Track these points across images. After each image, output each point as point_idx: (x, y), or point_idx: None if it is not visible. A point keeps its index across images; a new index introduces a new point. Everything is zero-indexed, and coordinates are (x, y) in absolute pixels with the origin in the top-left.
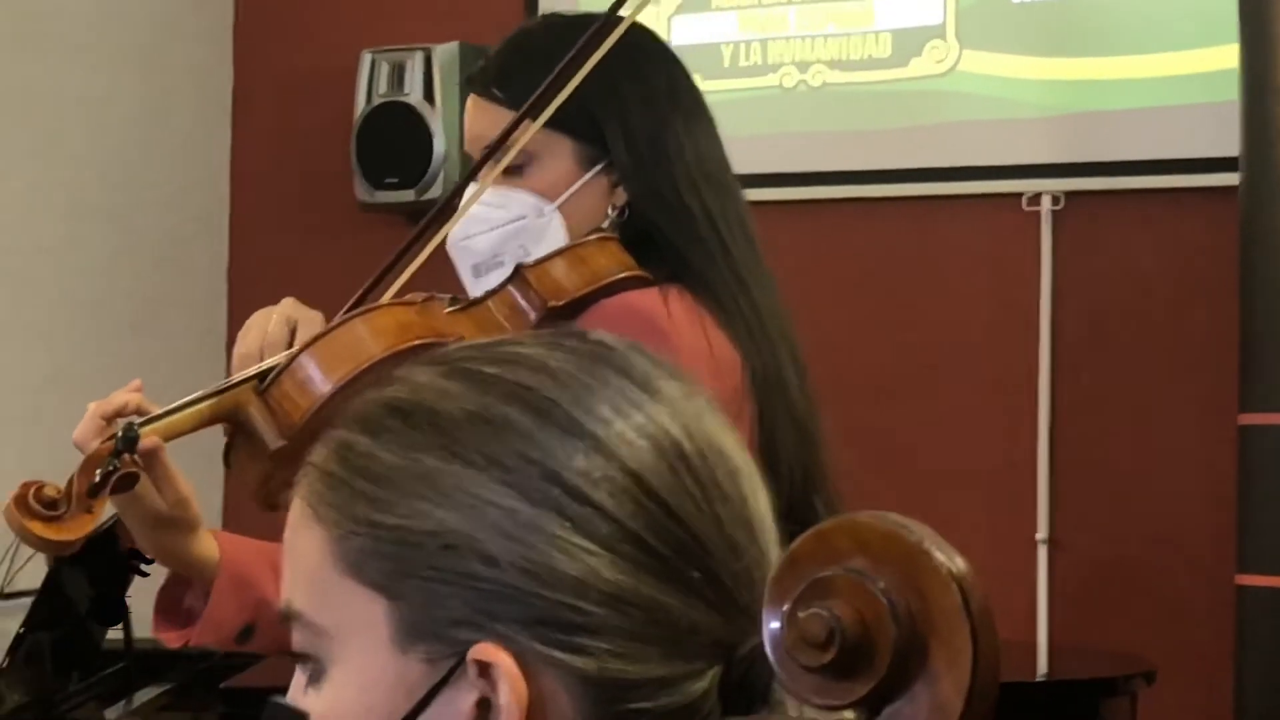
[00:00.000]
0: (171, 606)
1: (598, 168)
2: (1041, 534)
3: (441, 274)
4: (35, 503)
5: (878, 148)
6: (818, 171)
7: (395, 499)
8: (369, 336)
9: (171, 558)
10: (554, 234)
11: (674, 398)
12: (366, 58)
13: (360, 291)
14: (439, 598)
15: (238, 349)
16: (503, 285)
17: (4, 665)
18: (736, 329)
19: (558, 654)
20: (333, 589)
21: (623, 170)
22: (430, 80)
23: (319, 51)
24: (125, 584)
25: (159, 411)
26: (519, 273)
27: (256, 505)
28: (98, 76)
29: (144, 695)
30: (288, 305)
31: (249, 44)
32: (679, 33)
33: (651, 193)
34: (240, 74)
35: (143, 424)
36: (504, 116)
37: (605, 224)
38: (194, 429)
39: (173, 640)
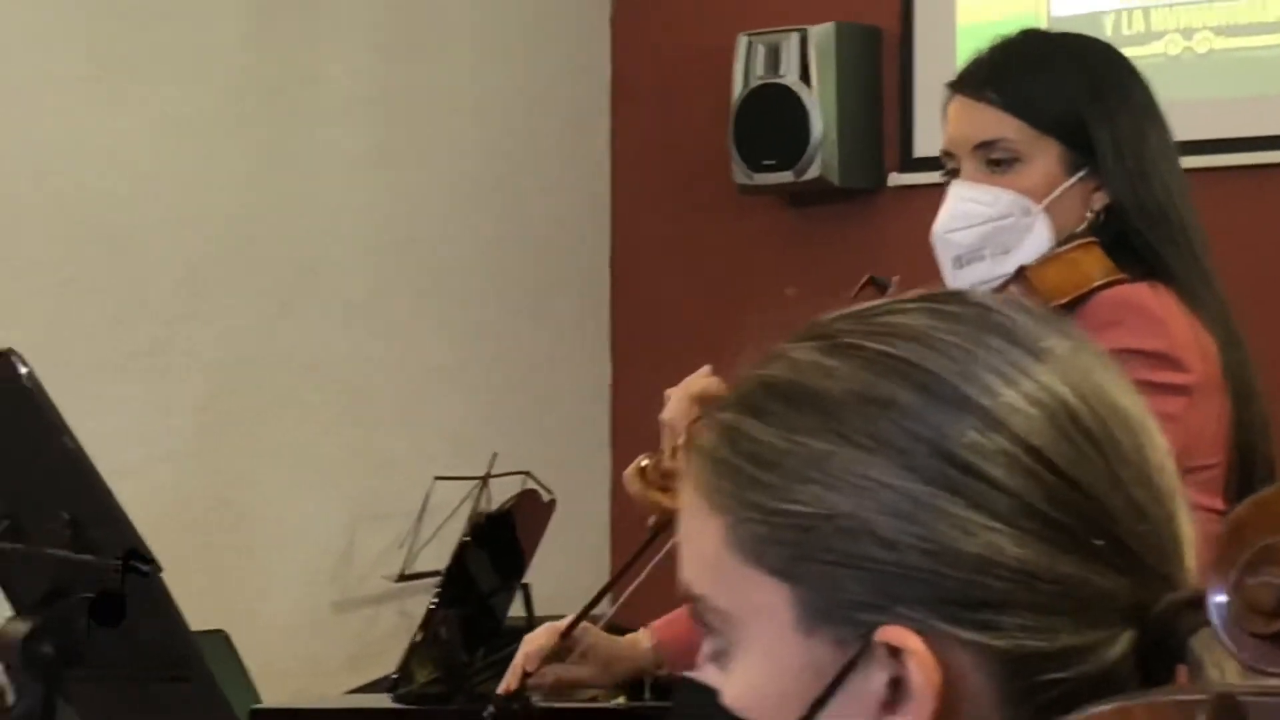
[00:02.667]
0: None
1: (1082, 173)
2: None
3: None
4: (655, 474)
5: (1269, 115)
6: (1208, 140)
7: (786, 484)
8: None
9: None
10: (1038, 233)
11: (1062, 356)
12: (743, 41)
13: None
14: (839, 581)
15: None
16: (1004, 284)
17: (416, 642)
18: (1211, 323)
19: (966, 633)
20: (732, 575)
21: (1109, 177)
22: (806, 61)
23: (696, 36)
24: (523, 568)
25: None
26: (1022, 273)
27: None
28: (479, 72)
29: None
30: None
31: (627, 31)
32: (1059, 4)
33: (1135, 199)
34: (619, 61)
35: None
36: (994, 117)
37: (1081, 227)
38: None
39: None
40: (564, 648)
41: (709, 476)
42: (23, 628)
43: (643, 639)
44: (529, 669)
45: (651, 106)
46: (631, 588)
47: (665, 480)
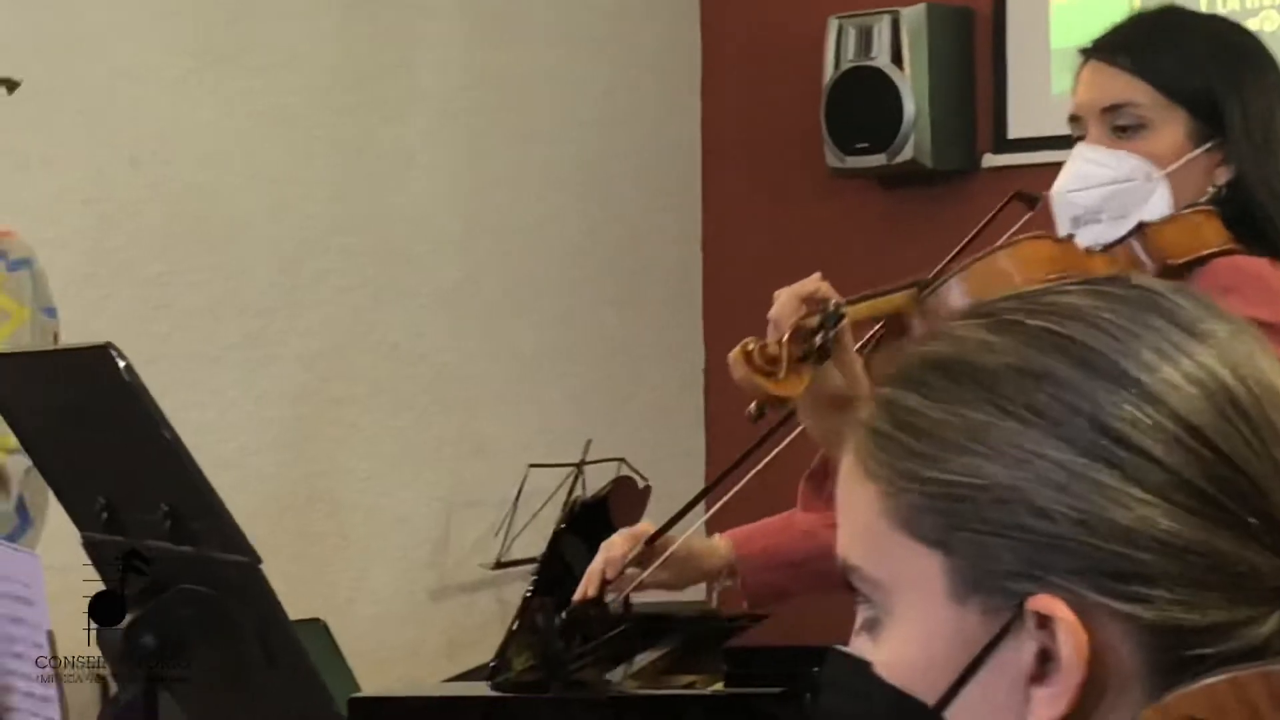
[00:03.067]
0: (816, 491)
1: (1208, 144)
2: None
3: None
4: (760, 358)
5: None
6: None
7: (943, 454)
8: (1014, 267)
9: (834, 439)
10: (1157, 200)
11: (1222, 339)
12: (834, 23)
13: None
14: (992, 550)
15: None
16: (1124, 238)
17: (513, 629)
18: None
19: (1116, 604)
20: (887, 544)
21: (1236, 152)
22: (898, 43)
23: (786, 19)
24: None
25: (848, 299)
26: (1141, 228)
27: None
28: (568, 57)
29: (644, 658)
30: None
31: (716, 15)
32: None
33: (1261, 176)
34: (708, 45)
35: (846, 303)
36: (1125, 81)
37: (1203, 199)
38: (869, 318)
39: (812, 522)
40: (645, 554)
41: (868, 446)
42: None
43: (720, 546)
44: (609, 576)
45: (742, 91)
46: (732, 492)
47: (770, 365)
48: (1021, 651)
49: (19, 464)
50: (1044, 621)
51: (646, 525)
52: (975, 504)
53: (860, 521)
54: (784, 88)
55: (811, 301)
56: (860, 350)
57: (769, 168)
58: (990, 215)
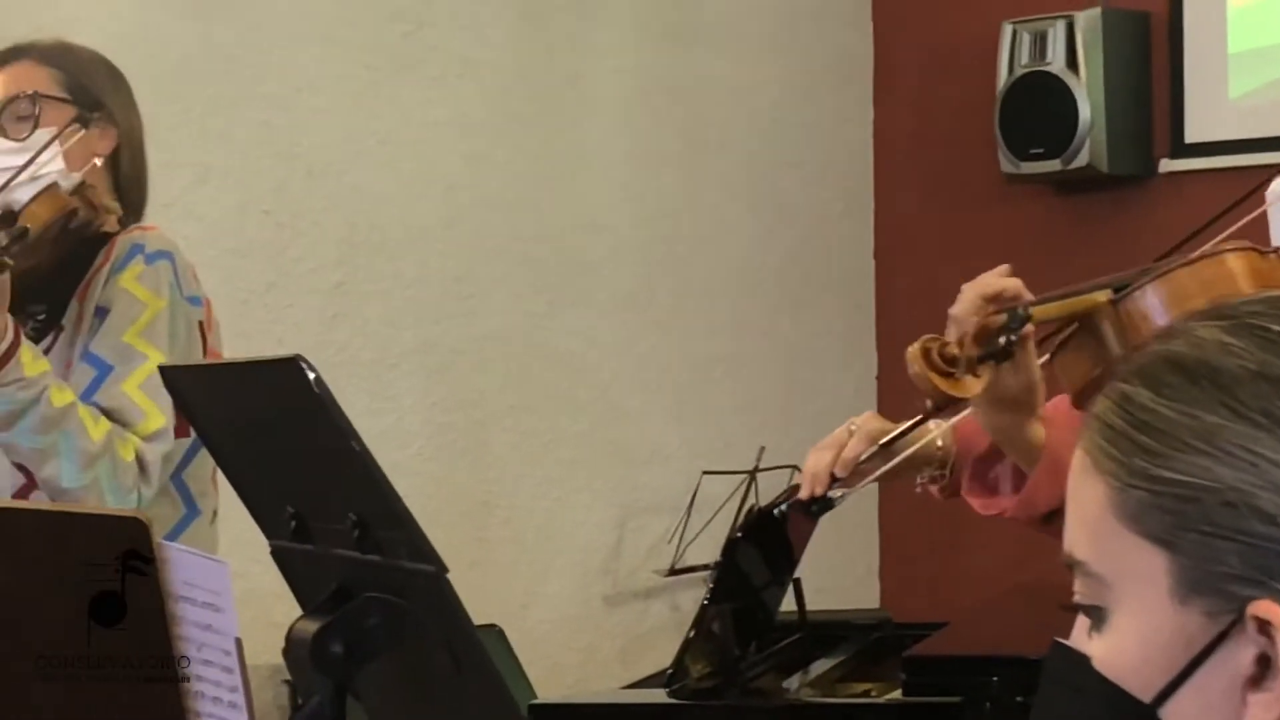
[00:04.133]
0: (980, 475)
1: None
2: None
3: None
4: (938, 357)
5: None
6: None
7: (1175, 453)
8: (1218, 278)
9: (1003, 435)
10: None
11: None
12: (1007, 29)
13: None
14: (1217, 553)
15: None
16: None
17: (690, 637)
18: None
19: None
20: (1113, 540)
21: None
22: (1073, 48)
23: (959, 25)
24: (795, 562)
25: (1035, 299)
26: None
27: (1071, 401)
28: (742, 67)
29: (821, 666)
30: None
31: (889, 22)
32: None
33: None
34: (881, 51)
35: (1030, 304)
36: None
37: None
38: (1056, 319)
39: (982, 507)
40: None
41: (1099, 441)
42: (312, 627)
43: (940, 435)
44: (840, 474)
45: (914, 97)
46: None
47: (948, 365)
48: (1240, 655)
49: (155, 450)
50: (1264, 627)
51: (874, 421)
52: (1203, 505)
53: (1087, 514)
54: (957, 93)
55: (998, 300)
56: (1047, 351)
57: (942, 174)
58: (1225, 208)
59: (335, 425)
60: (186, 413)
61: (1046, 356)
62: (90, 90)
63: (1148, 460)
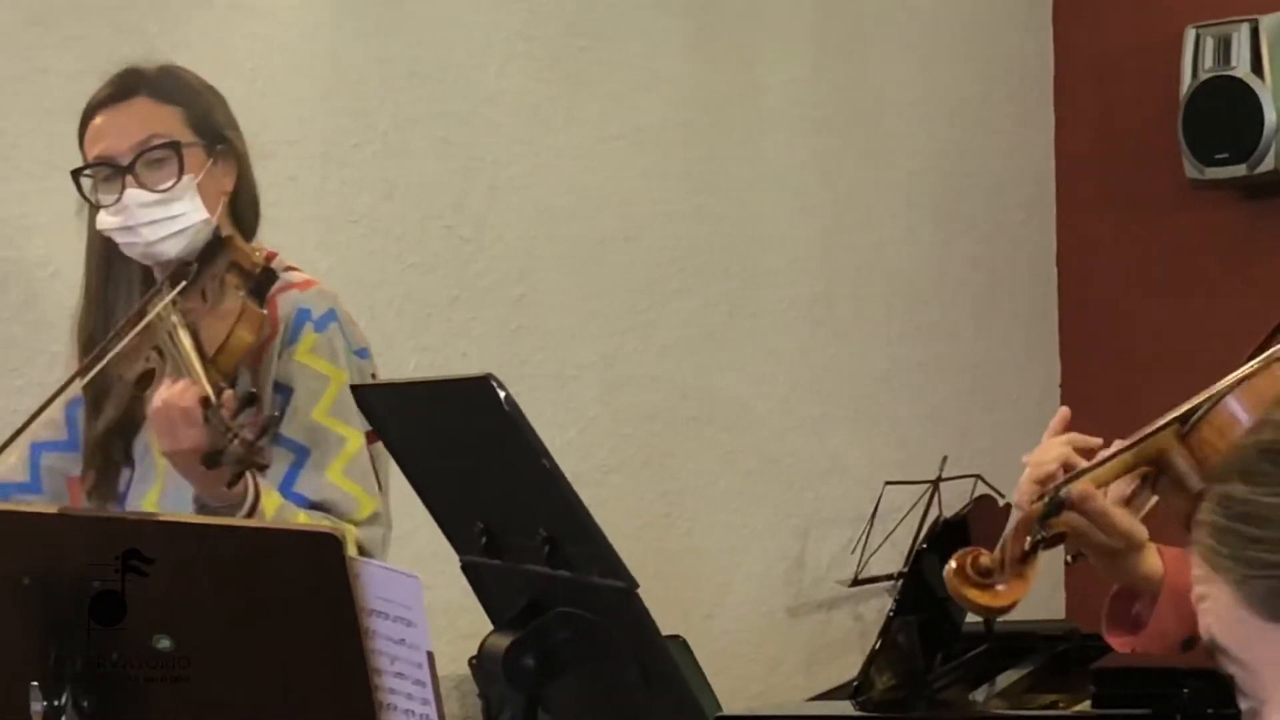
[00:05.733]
0: (1121, 613)
1: None
2: None
3: None
4: (972, 571)
5: None
6: None
7: None
8: None
9: (1121, 575)
10: None
11: None
12: (1190, 33)
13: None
14: None
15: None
16: None
17: (875, 648)
18: None
19: None
20: (1250, 630)
21: None
22: (1258, 52)
23: (1140, 29)
24: None
25: (1085, 466)
26: None
27: (1183, 528)
28: (920, 75)
29: (1007, 677)
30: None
31: (1069, 27)
32: None
33: None
34: (1061, 57)
35: (1065, 482)
36: None
37: None
38: (1117, 477)
39: (1121, 645)
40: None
41: (1209, 543)
42: (504, 641)
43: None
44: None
45: (1096, 103)
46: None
47: (983, 577)
48: None
49: (375, 535)
50: None
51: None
52: None
53: (1219, 610)
54: (1139, 98)
55: (1045, 483)
56: (1131, 500)
57: (1125, 180)
58: None
59: (526, 443)
60: (378, 429)
61: (1155, 499)
62: (211, 123)
63: (1260, 548)
